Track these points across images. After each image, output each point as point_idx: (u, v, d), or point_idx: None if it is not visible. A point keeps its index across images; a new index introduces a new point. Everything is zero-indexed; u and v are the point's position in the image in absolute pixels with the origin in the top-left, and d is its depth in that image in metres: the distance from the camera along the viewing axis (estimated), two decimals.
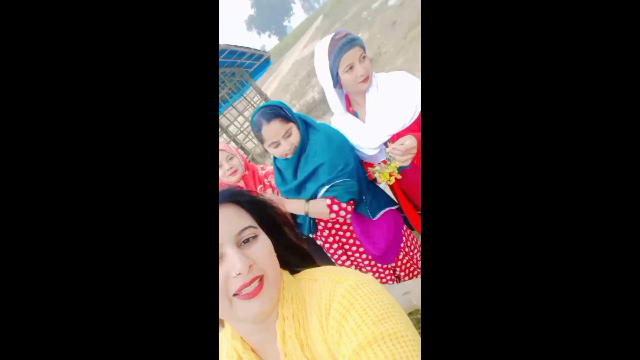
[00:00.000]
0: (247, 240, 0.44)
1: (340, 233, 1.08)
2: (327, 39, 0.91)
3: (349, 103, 1.02)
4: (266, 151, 1.13)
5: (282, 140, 0.95)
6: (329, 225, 1.06)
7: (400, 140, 0.83)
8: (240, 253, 0.43)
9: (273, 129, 0.93)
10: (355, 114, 1.01)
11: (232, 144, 3.36)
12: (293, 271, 0.53)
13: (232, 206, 0.48)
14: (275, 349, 0.47)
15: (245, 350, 0.47)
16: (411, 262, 1.13)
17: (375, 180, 1.03)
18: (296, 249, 0.55)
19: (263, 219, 0.50)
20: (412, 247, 1.13)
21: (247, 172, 1.46)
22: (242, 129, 4.38)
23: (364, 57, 0.89)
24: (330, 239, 1.08)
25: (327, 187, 0.97)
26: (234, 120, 4.31)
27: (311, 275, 0.51)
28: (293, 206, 1.00)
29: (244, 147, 4.06)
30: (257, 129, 0.96)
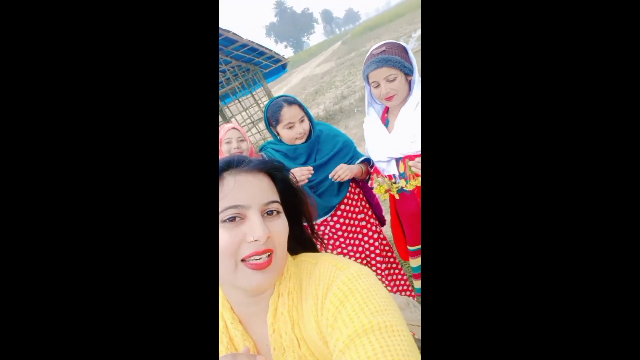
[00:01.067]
0: (270, 213, 0.45)
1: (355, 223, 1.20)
2: (370, 50, 0.98)
3: (387, 110, 1.09)
4: (277, 134, 1.19)
5: (297, 123, 1.10)
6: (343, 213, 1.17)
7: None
8: (263, 221, 0.43)
9: (292, 112, 1.08)
10: (386, 122, 1.07)
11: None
12: (293, 254, 0.55)
13: (267, 177, 0.48)
14: (263, 324, 0.48)
15: (233, 321, 0.48)
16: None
17: (372, 188, 1.16)
18: (304, 240, 0.56)
19: (288, 203, 0.51)
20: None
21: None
22: (242, 124, 4.38)
23: (394, 78, 0.95)
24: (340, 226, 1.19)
25: (361, 159, 1.16)
26: (238, 114, 4.32)
27: (311, 258, 0.52)
28: (353, 168, 1.11)
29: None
30: (275, 110, 1.09)
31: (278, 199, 0.47)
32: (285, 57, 4.56)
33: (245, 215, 0.43)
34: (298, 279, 0.50)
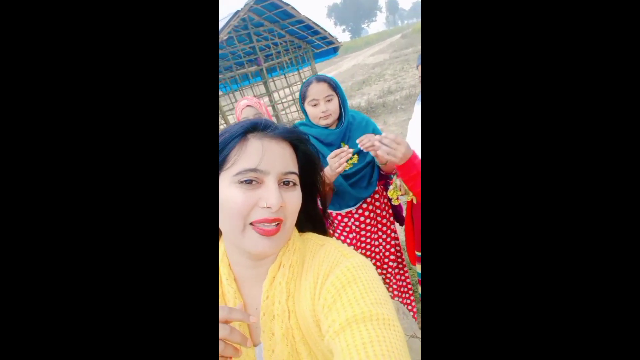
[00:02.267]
0: (287, 183, 0.45)
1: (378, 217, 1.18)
2: None
3: None
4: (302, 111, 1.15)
5: (322, 101, 1.05)
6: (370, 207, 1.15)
7: (394, 136, 0.87)
8: (279, 190, 0.43)
9: (319, 89, 1.04)
10: None
11: (271, 109, 3.38)
12: (301, 230, 0.55)
13: (290, 147, 0.48)
14: (257, 289, 0.48)
15: (228, 278, 0.49)
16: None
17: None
18: (315, 218, 0.56)
19: (306, 177, 0.51)
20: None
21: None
22: (283, 99, 4.40)
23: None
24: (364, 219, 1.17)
25: None
26: (281, 89, 4.34)
27: (318, 239, 0.52)
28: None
29: (278, 117, 4.07)
30: (305, 85, 1.07)
31: (297, 170, 0.47)
32: (340, 40, 4.47)
33: (263, 180, 0.43)
34: (301, 255, 0.50)
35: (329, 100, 1.04)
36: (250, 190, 0.42)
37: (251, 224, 0.43)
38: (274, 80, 4.30)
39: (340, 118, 1.10)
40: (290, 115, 4.38)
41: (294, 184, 0.46)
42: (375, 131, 1.12)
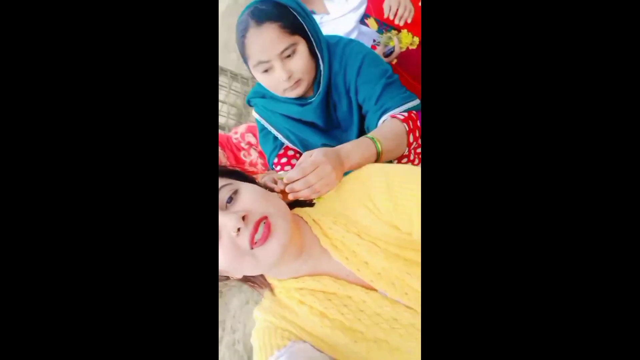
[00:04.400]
0: (230, 201, 0.44)
1: None
2: None
3: None
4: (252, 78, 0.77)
5: (276, 61, 0.60)
6: None
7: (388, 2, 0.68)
8: (228, 213, 0.42)
9: (265, 38, 0.57)
10: (313, 13, 0.87)
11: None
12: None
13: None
14: (325, 256, 0.47)
15: (303, 287, 0.45)
16: None
17: (390, 52, 0.86)
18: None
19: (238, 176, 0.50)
20: None
21: (225, 152, 1.35)
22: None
23: None
24: None
25: (400, 109, 0.65)
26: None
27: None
28: (355, 159, 0.56)
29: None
30: (240, 36, 0.60)
31: (226, 182, 0.46)
32: None
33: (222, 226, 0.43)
34: (324, 200, 0.51)
35: (288, 56, 0.60)
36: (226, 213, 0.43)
37: (251, 249, 0.42)
38: None
39: (316, 76, 0.67)
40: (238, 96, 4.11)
41: (235, 191, 0.45)
42: (369, 61, 0.68)
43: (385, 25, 0.90)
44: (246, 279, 0.51)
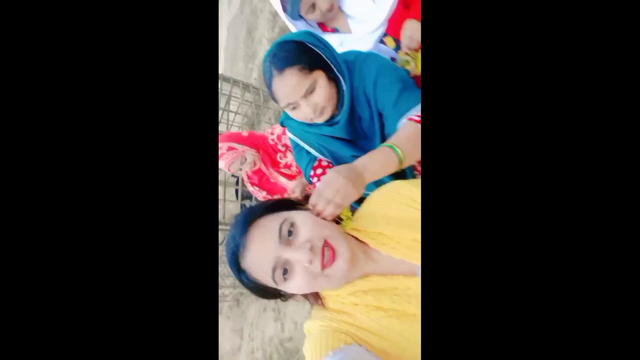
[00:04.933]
0: (290, 234, 0.47)
1: None
2: None
3: (323, 25, 0.91)
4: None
5: (301, 100, 0.66)
6: None
7: (407, 31, 0.71)
8: (297, 249, 0.45)
9: (288, 85, 0.64)
10: (336, 30, 0.90)
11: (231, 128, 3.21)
12: None
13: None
14: (370, 259, 0.53)
15: (356, 290, 0.49)
16: None
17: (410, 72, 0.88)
18: None
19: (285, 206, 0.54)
20: None
21: (259, 152, 1.36)
22: (220, 119, 4.19)
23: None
24: None
25: (416, 108, 0.67)
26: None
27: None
28: (378, 174, 0.60)
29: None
30: (268, 82, 0.68)
31: (286, 216, 0.50)
32: None
33: (282, 260, 0.47)
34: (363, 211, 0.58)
35: (312, 92, 0.66)
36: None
37: (322, 270, 0.46)
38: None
39: (340, 97, 0.71)
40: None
41: (292, 223, 0.48)
42: (385, 70, 0.70)
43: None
44: (307, 294, 0.55)
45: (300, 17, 0.83)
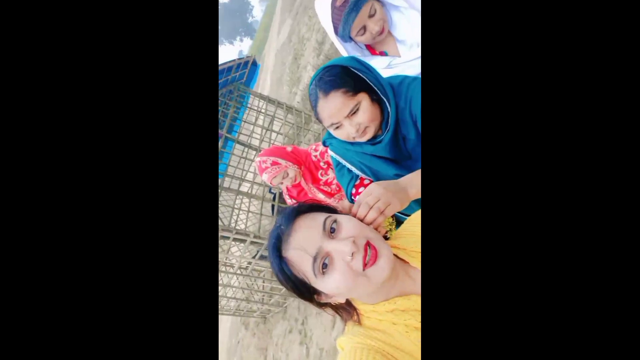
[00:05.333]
0: (333, 231, 0.47)
1: None
2: (327, 7, 0.82)
3: (372, 48, 0.94)
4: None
5: (344, 120, 0.69)
6: None
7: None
8: (339, 240, 0.46)
9: (332, 106, 0.67)
10: (385, 54, 0.92)
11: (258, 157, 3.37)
12: None
13: (311, 215, 0.50)
14: (410, 278, 0.53)
15: (395, 308, 0.49)
16: None
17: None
18: None
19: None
20: None
21: (302, 169, 1.40)
22: (263, 137, 4.39)
23: (374, 12, 0.79)
24: None
25: None
26: (252, 133, 4.33)
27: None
28: (419, 184, 0.60)
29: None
30: (312, 104, 0.71)
31: (328, 213, 0.51)
32: (246, 53, 4.37)
33: (329, 253, 0.46)
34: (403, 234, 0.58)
35: (355, 112, 0.69)
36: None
37: (363, 270, 0.45)
38: (240, 133, 4.30)
39: (383, 117, 0.73)
40: (272, 143, 4.34)
41: (335, 220, 0.49)
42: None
43: None
44: (341, 306, 0.53)
45: (350, 39, 0.87)
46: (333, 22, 0.83)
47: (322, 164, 1.41)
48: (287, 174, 1.31)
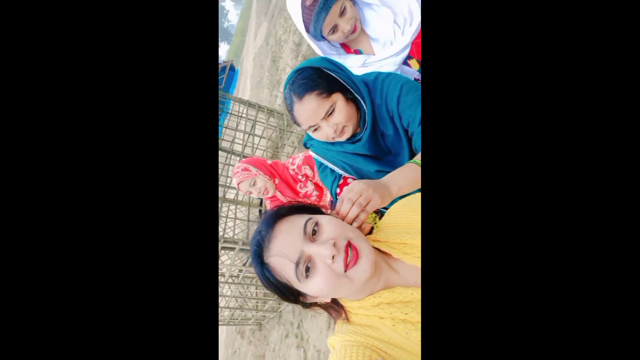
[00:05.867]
0: (314, 233, 0.47)
1: None
2: (297, 8, 0.81)
3: (347, 46, 0.94)
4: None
5: (321, 122, 0.69)
6: None
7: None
8: (320, 244, 0.46)
9: (308, 109, 0.67)
10: (359, 52, 0.92)
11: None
12: None
13: (290, 218, 0.49)
14: (393, 270, 0.53)
15: (380, 302, 0.49)
16: None
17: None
18: None
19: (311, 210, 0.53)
20: None
21: (277, 181, 1.41)
22: (246, 142, 4.34)
23: (344, 10, 0.79)
24: None
25: None
26: (234, 139, 4.27)
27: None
28: (405, 188, 0.60)
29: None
30: (289, 108, 0.71)
31: (310, 215, 0.51)
32: (224, 58, 4.32)
33: (308, 258, 0.45)
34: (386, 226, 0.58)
35: (332, 113, 0.69)
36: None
37: (345, 272, 0.45)
38: (223, 139, 4.24)
39: (361, 115, 0.74)
40: (257, 150, 4.31)
41: (316, 223, 0.48)
42: (407, 88, 0.72)
43: None
44: (329, 305, 0.53)
45: (323, 37, 0.86)
46: (304, 21, 0.82)
47: (300, 176, 1.42)
48: (255, 183, 1.31)
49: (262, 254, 0.48)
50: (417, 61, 0.92)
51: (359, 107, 0.74)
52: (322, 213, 0.54)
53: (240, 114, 4.51)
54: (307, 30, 0.84)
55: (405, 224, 0.57)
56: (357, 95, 0.72)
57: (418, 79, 0.95)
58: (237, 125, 4.32)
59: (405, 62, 0.94)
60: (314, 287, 0.45)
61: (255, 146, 4.32)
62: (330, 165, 0.88)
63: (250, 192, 1.35)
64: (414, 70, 0.96)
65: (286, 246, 0.46)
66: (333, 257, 0.44)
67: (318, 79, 0.68)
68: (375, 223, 0.59)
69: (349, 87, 0.71)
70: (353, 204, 0.53)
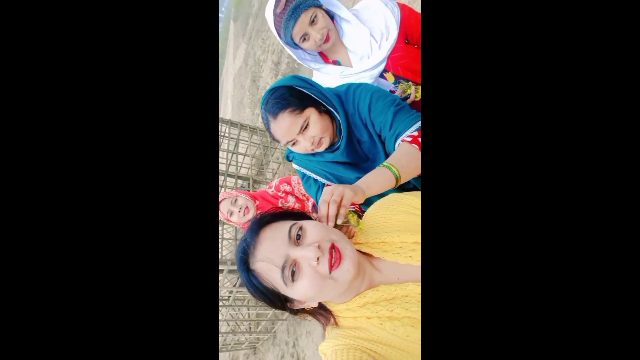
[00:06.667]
0: (299, 237, 0.48)
1: None
2: (270, 15, 0.84)
3: (325, 56, 0.96)
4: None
5: (298, 136, 0.73)
6: None
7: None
8: (304, 247, 0.46)
9: (283, 126, 0.71)
10: (337, 63, 0.94)
11: (229, 180, 3.31)
12: None
13: (276, 224, 0.50)
14: (375, 269, 0.53)
15: (366, 302, 0.49)
16: None
17: (407, 97, 0.90)
18: None
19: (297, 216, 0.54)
20: None
21: (257, 202, 1.42)
22: (230, 162, 4.32)
23: (315, 18, 0.82)
24: None
25: (408, 132, 0.71)
26: (218, 158, 4.24)
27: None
28: (374, 187, 0.62)
29: (240, 176, 4.00)
30: (266, 126, 0.76)
31: (293, 221, 0.51)
32: None
33: (295, 259, 0.46)
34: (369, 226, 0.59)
35: (306, 128, 0.72)
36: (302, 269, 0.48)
37: (330, 273, 0.46)
38: None
39: (336, 125, 0.78)
40: (248, 162, 4.29)
41: (300, 227, 0.49)
42: (377, 96, 0.76)
43: (402, 79, 0.97)
44: (317, 310, 0.53)
45: (296, 45, 0.88)
46: (275, 28, 0.85)
47: (280, 193, 1.46)
48: (236, 201, 1.33)
49: (248, 260, 0.48)
50: (393, 74, 0.96)
51: (333, 118, 0.78)
52: (306, 218, 0.55)
53: (222, 134, 4.49)
54: (280, 38, 0.86)
55: (382, 223, 0.59)
56: (329, 107, 0.76)
57: (394, 91, 0.99)
58: (219, 145, 4.30)
59: (381, 75, 0.97)
60: (300, 290, 0.45)
61: (239, 164, 4.30)
62: (313, 175, 0.90)
63: (231, 213, 1.35)
64: (389, 83, 0.99)
65: (271, 251, 0.46)
66: (318, 258, 0.45)
67: (290, 97, 0.71)
68: (359, 226, 0.60)
69: (320, 101, 0.75)
70: (329, 204, 0.56)
